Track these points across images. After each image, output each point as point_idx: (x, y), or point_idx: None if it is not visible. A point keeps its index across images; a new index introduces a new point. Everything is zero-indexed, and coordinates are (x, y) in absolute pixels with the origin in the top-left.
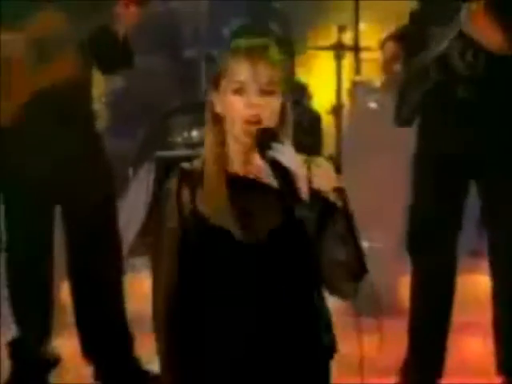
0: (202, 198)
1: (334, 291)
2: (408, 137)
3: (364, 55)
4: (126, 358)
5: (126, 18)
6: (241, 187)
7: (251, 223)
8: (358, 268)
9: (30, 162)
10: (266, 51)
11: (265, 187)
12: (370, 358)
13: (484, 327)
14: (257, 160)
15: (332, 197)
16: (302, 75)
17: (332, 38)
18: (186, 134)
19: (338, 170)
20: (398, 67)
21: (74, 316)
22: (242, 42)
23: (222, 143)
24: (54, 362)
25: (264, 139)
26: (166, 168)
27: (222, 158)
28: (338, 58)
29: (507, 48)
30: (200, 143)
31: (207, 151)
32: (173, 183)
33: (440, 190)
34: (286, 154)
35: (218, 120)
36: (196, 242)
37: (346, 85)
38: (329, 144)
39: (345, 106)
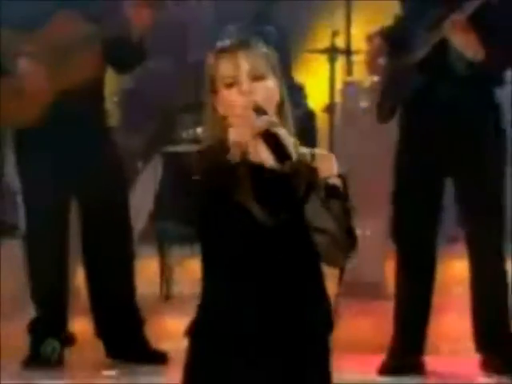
0: (227, 182)
1: (325, 259)
2: (395, 132)
3: (355, 58)
4: (136, 338)
5: (139, 21)
6: (258, 174)
7: (269, 206)
8: (346, 241)
9: (47, 157)
10: (246, 44)
11: (274, 174)
12: (363, 336)
13: (460, 307)
14: (264, 149)
15: (335, 181)
16: (299, 76)
17: (326, 42)
18: (190, 131)
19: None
20: (382, 61)
21: (88, 299)
22: (223, 42)
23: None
24: (69, 340)
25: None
26: (172, 162)
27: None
28: (332, 61)
29: (480, 55)
30: None
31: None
32: (196, 166)
33: (420, 188)
34: (270, 120)
35: (223, 119)
36: (218, 217)
37: (338, 85)
38: (323, 139)
39: (337, 105)
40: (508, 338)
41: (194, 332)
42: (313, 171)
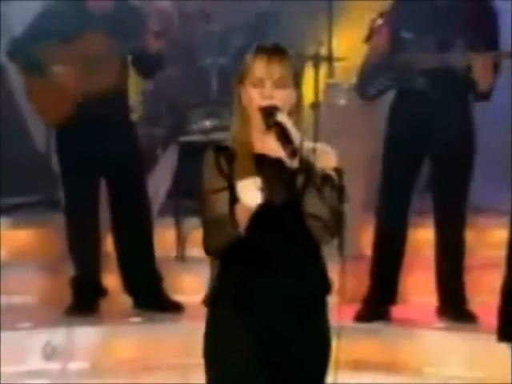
0: (235, 170)
1: (316, 238)
2: (367, 126)
3: (335, 64)
4: (157, 292)
5: (156, 42)
6: (263, 163)
7: (273, 191)
8: (334, 226)
9: (82, 145)
10: (279, 52)
11: (280, 164)
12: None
13: (425, 266)
14: (272, 142)
15: (331, 173)
16: None
17: (312, 51)
18: (200, 124)
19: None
20: (384, 44)
21: (116, 261)
22: (261, 46)
23: (247, 128)
24: (102, 293)
25: (268, 110)
26: (186, 149)
27: (248, 139)
28: (316, 66)
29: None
30: (211, 130)
31: (237, 136)
32: (211, 157)
33: (402, 167)
34: (284, 118)
35: (245, 109)
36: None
37: (322, 86)
38: (309, 132)
39: (321, 103)
40: (461, 293)
41: (209, 302)
42: (311, 166)
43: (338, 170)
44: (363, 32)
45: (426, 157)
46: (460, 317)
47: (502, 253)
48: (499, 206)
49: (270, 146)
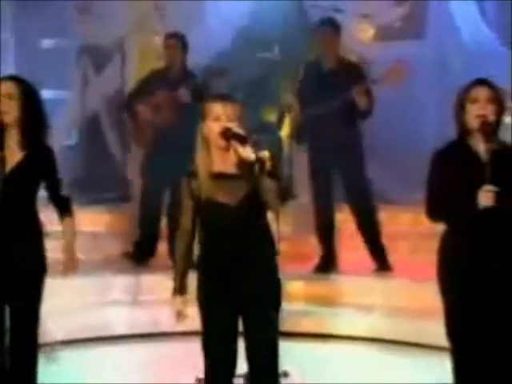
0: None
1: (270, 207)
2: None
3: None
4: None
5: (184, 96)
6: (221, 177)
7: (231, 195)
8: (281, 195)
9: (154, 163)
10: (231, 98)
11: (236, 176)
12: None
13: (353, 241)
14: (230, 159)
15: (271, 169)
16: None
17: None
18: None
19: (291, 165)
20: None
21: (167, 236)
22: (217, 94)
23: (208, 154)
24: (153, 253)
25: (225, 129)
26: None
27: (209, 163)
28: (289, 112)
29: (365, 109)
30: None
31: (199, 160)
32: (185, 183)
33: (321, 173)
34: (238, 129)
35: (206, 139)
36: (202, 207)
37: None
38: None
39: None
40: (380, 249)
41: (198, 267)
42: (262, 159)
43: (273, 167)
44: None
45: (335, 166)
46: (381, 267)
47: (404, 228)
48: (403, 199)
49: (230, 165)
